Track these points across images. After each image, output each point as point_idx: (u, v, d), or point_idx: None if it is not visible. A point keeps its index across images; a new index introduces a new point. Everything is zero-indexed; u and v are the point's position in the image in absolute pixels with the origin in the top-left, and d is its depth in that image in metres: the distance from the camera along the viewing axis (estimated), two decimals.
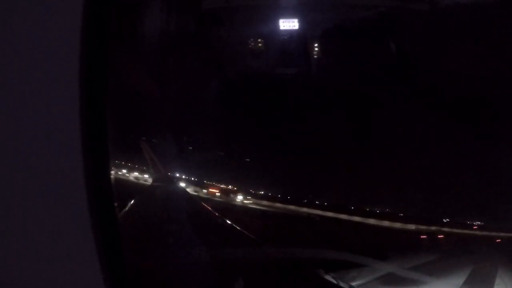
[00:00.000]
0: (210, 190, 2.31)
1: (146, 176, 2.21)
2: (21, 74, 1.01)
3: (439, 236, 2.28)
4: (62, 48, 0.98)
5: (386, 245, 2.25)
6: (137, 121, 2.04)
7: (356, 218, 2.34)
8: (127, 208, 1.85)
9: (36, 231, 1.05)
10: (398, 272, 2.06)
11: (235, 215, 2.28)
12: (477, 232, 2.21)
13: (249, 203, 2.35)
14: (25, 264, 1.06)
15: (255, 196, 2.37)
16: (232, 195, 2.33)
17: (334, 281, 1.96)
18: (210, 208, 2.25)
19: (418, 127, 2.23)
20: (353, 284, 1.98)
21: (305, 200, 2.38)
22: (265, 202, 2.37)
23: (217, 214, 2.25)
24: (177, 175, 2.27)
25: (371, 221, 2.32)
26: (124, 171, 2.22)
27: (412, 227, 2.29)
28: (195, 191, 2.31)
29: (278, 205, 2.39)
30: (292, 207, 2.39)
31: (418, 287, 1.97)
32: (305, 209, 2.38)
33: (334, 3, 2.41)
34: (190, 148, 2.20)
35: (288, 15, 2.32)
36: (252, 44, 2.37)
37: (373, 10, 2.34)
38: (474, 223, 2.23)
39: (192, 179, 2.31)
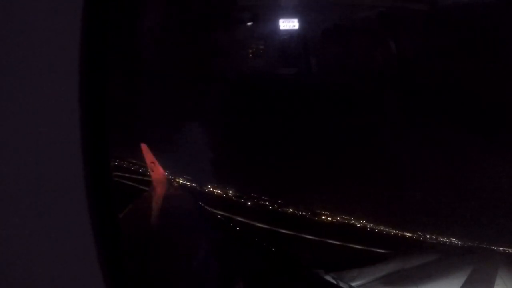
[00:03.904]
0: (209, 191, 2.31)
1: (146, 177, 2.21)
2: (20, 73, 1.00)
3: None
4: (62, 47, 0.97)
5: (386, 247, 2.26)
6: (137, 122, 2.04)
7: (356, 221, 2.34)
8: (127, 209, 1.84)
9: (36, 232, 1.04)
10: (398, 272, 2.06)
11: (235, 216, 2.28)
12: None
13: (249, 204, 2.35)
14: (24, 265, 1.05)
15: (255, 197, 2.37)
16: (231, 196, 2.33)
17: (334, 281, 1.96)
18: (209, 209, 2.25)
19: (417, 127, 2.23)
20: (353, 284, 1.99)
21: (306, 201, 2.38)
22: (265, 203, 2.37)
23: (216, 215, 2.25)
24: (177, 176, 2.27)
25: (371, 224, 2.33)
26: (125, 172, 2.22)
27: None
28: (195, 192, 2.31)
29: (278, 206, 2.38)
30: (293, 209, 2.39)
31: (418, 287, 1.98)
32: (306, 211, 2.38)
33: (334, 3, 2.41)
34: (190, 149, 2.20)
35: (288, 15, 2.32)
36: (252, 44, 2.37)
37: (373, 10, 2.35)
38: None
39: (192, 180, 2.31)
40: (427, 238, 2.27)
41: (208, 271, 1.65)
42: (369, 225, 2.32)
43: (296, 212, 2.35)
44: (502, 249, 2.14)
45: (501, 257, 2.10)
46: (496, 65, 2.11)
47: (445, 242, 2.27)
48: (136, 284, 1.24)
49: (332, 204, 2.33)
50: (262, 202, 2.35)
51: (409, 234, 2.29)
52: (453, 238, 2.26)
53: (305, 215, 2.35)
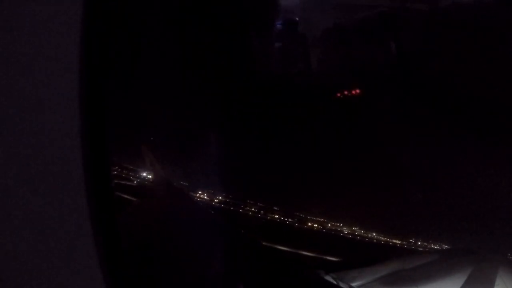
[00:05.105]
0: (209, 193, 2.31)
1: (146, 179, 2.21)
2: (20, 73, 1.01)
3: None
4: (62, 46, 0.97)
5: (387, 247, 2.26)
6: (138, 124, 2.03)
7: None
8: (127, 211, 1.85)
9: (36, 232, 1.05)
10: (398, 273, 2.06)
11: (236, 217, 2.28)
12: None
13: (249, 206, 2.35)
14: (24, 265, 1.05)
15: (255, 200, 2.36)
16: (231, 199, 2.33)
17: (334, 282, 1.96)
18: (209, 211, 2.25)
19: (417, 127, 2.23)
20: (353, 284, 1.99)
21: (305, 204, 2.37)
22: (264, 206, 2.37)
23: (217, 216, 2.25)
24: (177, 178, 2.27)
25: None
26: (125, 174, 2.22)
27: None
28: (195, 194, 2.31)
29: (279, 208, 2.38)
30: (279, 215, 2.38)
31: (418, 287, 1.98)
32: (293, 219, 2.37)
33: (334, 3, 2.41)
34: (190, 151, 2.19)
35: (288, 15, 2.31)
36: (252, 44, 2.36)
37: (373, 10, 2.34)
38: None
39: (192, 182, 2.30)
40: (419, 245, 2.27)
41: (208, 272, 1.66)
42: (358, 232, 2.31)
43: (281, 218, 2.34)
44: (502, 251, 2.14)
45: (501, 257, 2.10)
46: (496, 65, 2.11)
47: (438, 249, 2.27)
48: (136, 284, 1.24)
49: (327, 209, 2.32)
50: (253, 208, 2.34)
51: (399, 242, 2.29)
52: (446, 245, 2.26)
53: (292, 223, 2.34)
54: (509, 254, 2.15)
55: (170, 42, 2.05)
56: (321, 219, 2.33)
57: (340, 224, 2.33)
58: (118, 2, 1.20)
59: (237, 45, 2.27)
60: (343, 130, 2.28)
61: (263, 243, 2.15)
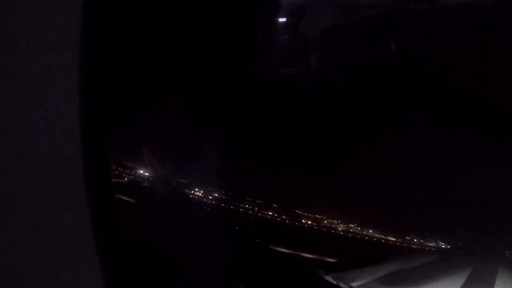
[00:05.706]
0: (208, 192, 2.31)
1: (145, 179, 2.21)
2: (20, 73, 1.00)
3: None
4: (62, 46, 0.97)
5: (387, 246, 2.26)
6: (137, 123, 2.03)
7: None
8: (126, 211, 1.85)
9: (36, 232, 1.05)
10: (398, 272, 2.06)
11: (235, 216, 2.28)
12: None
13: (248, 204, 2.35)
14: (24, 265, 1.05)
15: (254, 198, 2.36)
16: (230, 197, 2.33)
17: (334, 281, 1.96)
18: (209, 210, 2.25)
19: (418, 127, 2.23)
20: (353, 284, 1.99)
21: (304, 203, 2.37)
22: (263, 205, 2.37)
23: (217, 215, 2.25)
24: (176, 178, 2.27)
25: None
26: (124, 173, 2.22)
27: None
28: (194, 193, 2.31)
29: (278, 206, 2.38)
30: (291, 210, 2.38)
31: (418, 287, 1.98)
32: (303, 213, 2.37)
33: (334, 3, 2.40)
34: (190, 150, 2.19)
35: (288, 14, 2.31)
36: (252, 44, 2.36)
37: (373, 10, 2.34)
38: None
39: (192, 181, 2.30)
40: (418, 245, 2.27)
41: (208, 272, 1.66)
42: (357, 232, 2.30)
43: (281, 217, 2.33)
44: (502, 250, 2.14)
45: (501, 257, 2.10)
46: (496, 65, 2.11)
47: (438, 249, 2.27)
48: (136, 284, 1.24)
49: (327, 208, 2.32)
50: (252, 207, 2.33)
51: (399, 241, 2.28)
52: (446, 245, 2.26)
53: (292, 222, 2.34)
54: (507, 253, 2.15)
55: (169, 41, 2.05)
56: (321, 217, 2.34)
57: (339, 223, 2.33)
58: (118, 2, 1.20)
59: (237, 45, 2.26)
60: (342, 129, 2.28)
61: (263, 243, 2.15)
